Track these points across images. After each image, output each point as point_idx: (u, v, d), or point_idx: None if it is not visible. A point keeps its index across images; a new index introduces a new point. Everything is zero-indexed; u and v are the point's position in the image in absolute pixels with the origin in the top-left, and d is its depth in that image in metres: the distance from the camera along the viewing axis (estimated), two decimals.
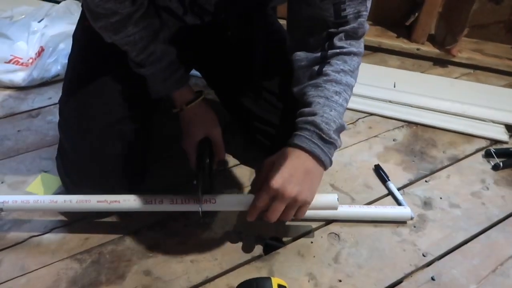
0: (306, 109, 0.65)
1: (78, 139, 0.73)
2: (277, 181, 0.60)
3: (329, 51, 0.68)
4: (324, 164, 0.64)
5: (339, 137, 0.65)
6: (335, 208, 0.72)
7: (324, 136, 0.62)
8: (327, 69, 0.67)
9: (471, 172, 0.94)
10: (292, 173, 0.61)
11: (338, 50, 0.68)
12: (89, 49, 0.79)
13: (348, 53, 0.68)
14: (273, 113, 0.83)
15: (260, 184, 0.64)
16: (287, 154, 0.63)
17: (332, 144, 0.63)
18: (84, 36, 0.81)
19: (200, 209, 0.69)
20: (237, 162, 0.92)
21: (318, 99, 0.65)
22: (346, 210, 0.79)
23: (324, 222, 0.80)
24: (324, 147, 0.62)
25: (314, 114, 0.63)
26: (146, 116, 0.79)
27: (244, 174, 0.89)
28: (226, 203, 0.72)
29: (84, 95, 0.74)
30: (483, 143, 1.02)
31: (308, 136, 0.62)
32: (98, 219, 0.78)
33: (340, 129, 0.66)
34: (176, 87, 0.73)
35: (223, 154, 0.78)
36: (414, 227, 0.80)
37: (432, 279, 0.71)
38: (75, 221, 0.77)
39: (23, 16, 1.25)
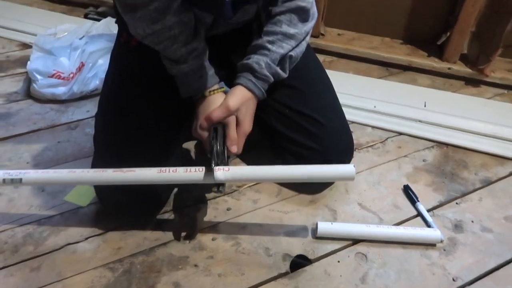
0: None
1: (109, 157, 0.76)
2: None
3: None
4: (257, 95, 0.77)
5: (272, 73, 0.77)
6: (352, 179, 0.69)
7: (256, 74, 0.76)
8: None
9: (504, 195, 0.91)
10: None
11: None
12: (123, 67, 0.83)
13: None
14: (299, 132, 0.84)
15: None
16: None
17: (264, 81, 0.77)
18: (119, 54, 0.86)
19: (214, 174, 0.67)
20: None
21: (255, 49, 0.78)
22: (374, 230, 0.79)
23: (351, 242, 0.79)
24: (257, 82, 0.76)
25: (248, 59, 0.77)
26: (175, 132, 0.82)
27: (272, 190, 0.91)
28: (240, 173, 0.70)
29: (116, 112, 0.78)
30: None
31: (244, 75, 0.76)
32: (131, 230, 0.80)
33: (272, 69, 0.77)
34: (210, 84, 0.76)
35: (234, 138, 0.76)
36: (444, 250, 0.79)
37: None
38: (109, 231, 0.80)
39: (65, 33, 1.32)
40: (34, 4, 1.73)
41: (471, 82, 1.30)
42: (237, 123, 0.74)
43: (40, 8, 1.69)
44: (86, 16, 1.62)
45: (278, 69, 0.77)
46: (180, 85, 0.76)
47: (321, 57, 1.40)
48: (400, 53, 1.37)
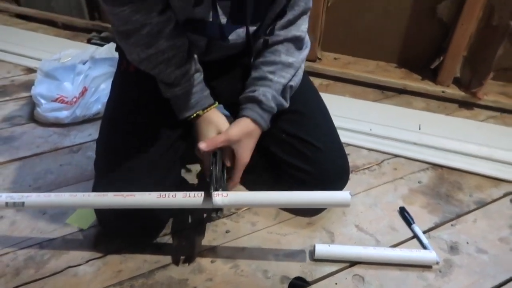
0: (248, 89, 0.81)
1: (110, 182, 0.78)
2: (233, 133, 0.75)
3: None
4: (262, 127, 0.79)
5: (277, 104, 0.80)
6: (347, 205, 0.71)
7: (263, 106, 0.78)
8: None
9: (499, 216, 0.93)
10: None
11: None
12: (123, 93, 0.86)
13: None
14: (296, 156, 0.86)
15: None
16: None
17: (269, 112, 0.79)
18: (119, 80, 0.89)
19: (212, 200, 0.68)
20: None
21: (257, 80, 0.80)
22: (370, 252, 0.80)
23: (348, 264, 0.80)
24: (263, 114, 0.79)
25: (253, 91, 0.79)
26: (175, 155, 0.84)
27: (271, 213, 0.92)
28: (237, 199, 0.71)
29: (117, 137, 0.81)
30: (511, 188, 1.01)
31: (250, 107, 0.78)
32: (131, 253, 0.82)
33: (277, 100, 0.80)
34: (205, 104, 0.78)
35: (231, 159, 0.80)
36: (440, 272, 0.80)
37: None
38: (109, 253, 0.81)
39: (69, 58, 1.35)
40: (39, 30, 1.78)
41: (465, 104, 1.33)
42: (237, 155, 0.76)
43: (45, 34, 1.75)
44: (89, 41, 1.67)
45: (282, 100, 0.80)
46: (175, 107, 0.79)
47: (318, 81, 1.44)
48: (395, 76, 1.40)
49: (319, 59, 1.49)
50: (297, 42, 0.80)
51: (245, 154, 0.77)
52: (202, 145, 0.74)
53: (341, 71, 1.43)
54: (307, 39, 0.83)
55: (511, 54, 1.27)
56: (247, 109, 0.79)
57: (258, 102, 0.78)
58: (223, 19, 0.74)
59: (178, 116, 0.79)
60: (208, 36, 0.78)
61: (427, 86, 1.36)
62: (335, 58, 1.51)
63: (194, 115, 0.78)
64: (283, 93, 0.81)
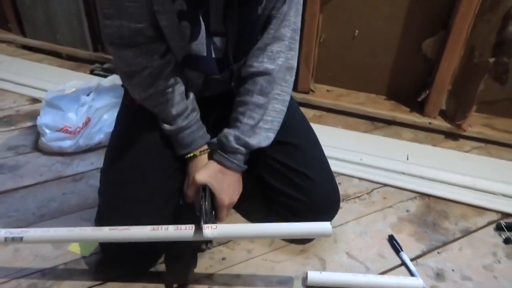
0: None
1: (114, 209, 0.82)
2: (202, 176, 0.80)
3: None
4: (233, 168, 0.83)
5: (243, 145, 0.82)
6: (329, 235, 0.76)
7: (225, 148, 0.82)
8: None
9: (483, 245, 0.97)
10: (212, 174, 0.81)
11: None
12: (128, 125, 0.91)
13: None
14: (289, 185, 0.90)
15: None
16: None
17: (234, 153, 0.82)
18: (124, 113, 0.95)
19: (202, 232, 0.72)
20: None
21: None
22: (360, 279, 0.84)
23: None
24: (227, 156, 0.82)
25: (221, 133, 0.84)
26: (176, 187, 0.88)
27: (266, 240, 0.96)
28: (226, 231, 0.75)
29: (120, 167, 0.84)
30: (495, 216, 1.06)
31: (216, 149, 0.83)
32: (130, 281, 0.85)
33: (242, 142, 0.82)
34: (200, 143, 0.84)
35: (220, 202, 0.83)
36: None
37: None
38: (109, 281, 0.84)
39: (73, 90, 1.41)
40: (44, 61, 1.85)
41: (451, 136, 1.40)
42: (215, 195, 0.80)
43: (50, 65, 1.82)
44: (92, 72, 1.74)
45: (249, 140, 0.82)
46: (173, 144, 0.85)
47: (311, 112, 1.50)
48: (385, 108, 1.47)
49: (312, 91, 1.56)
50: (269, 78, 0.83)
51: (222, 194, 0.80)
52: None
53: (333, 102, 1.50)
54: (279, 75, 0.84)
55: (493, 88, 1.34)
56: (213, 151, 0.84)
57: (220, 144, 0.83)
58: (217, 54, 0.80)
59: (176, 152, 0.85)
60: (204, 72, 0.84)
61: (415, 118, 1.43)
62: (327, 90, 1.58)
63: (191, 155, 0.84)
64: (255, 132, 0.83)
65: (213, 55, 0.80)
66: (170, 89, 0.79)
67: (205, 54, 0.79)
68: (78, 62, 1.85)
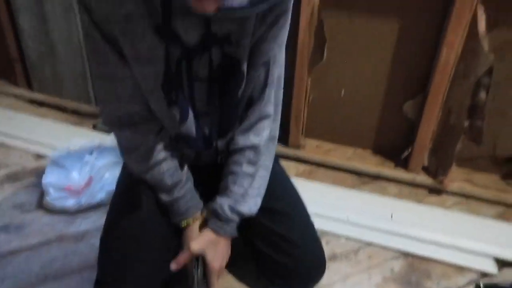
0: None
1: (112, 277, 0.87)
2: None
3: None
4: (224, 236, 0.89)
5: (236, 213, 0.88)
6: None
7: (220, 217, 0.88)
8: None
9: None
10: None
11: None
12: (127, 190, 0.97)
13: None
14: (276, 250, 0.95)
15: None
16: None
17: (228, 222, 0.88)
18: (125, 179, 1.01)
19: None
20: None
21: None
22: None
23: None
24: (223, 225, 0.88)
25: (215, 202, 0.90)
26: (173, 252, 0.94)
27: None
28: None
29: (120, 240, 0.90)
30: (474, 275, 1.12)
31: (211, 218, 0.90)
32: None
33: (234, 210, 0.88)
34: (193, 212, 0.90)
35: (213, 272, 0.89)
36: None
37: None
38: None
39: (77, 148, 1.49)
40: (49, 114, 1.94)
41: (434, 191, 1.47)
42: (207, 262, 0.86)
43: (54, 118, 1.90)
44: (94, 127, 1.83)
45: (242, 209, 0.88)
46: (169, 211, 0.91)
47: (302, 167, 1.58)
48: (371, 163, 1.56)
49: (303, 146, 1.65)
50: (256, 150, 0.89)
51: (214, 262, 0.87)
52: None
53: (322, 158, 1.59)
54: (264, 148, 0.90)
55: (470, 147, 1.44)
56: (209, 220, 0.90)
57: (215, 213, 0.89)
58: (207, 132, 0.88)
59: (171, 218, 0.92)
60: (194, 149, 0.92)
61: (399, 173, 1.51)
62: (317, 146, 1.67)
63: (185, 224, 0.90)
64: (246, 200, 0.89)
65: (205, 134, 0.88)
66: (165, 163, 0.87)
67: (194, 134, 0.86)
68: (81, 115, 1.94)
